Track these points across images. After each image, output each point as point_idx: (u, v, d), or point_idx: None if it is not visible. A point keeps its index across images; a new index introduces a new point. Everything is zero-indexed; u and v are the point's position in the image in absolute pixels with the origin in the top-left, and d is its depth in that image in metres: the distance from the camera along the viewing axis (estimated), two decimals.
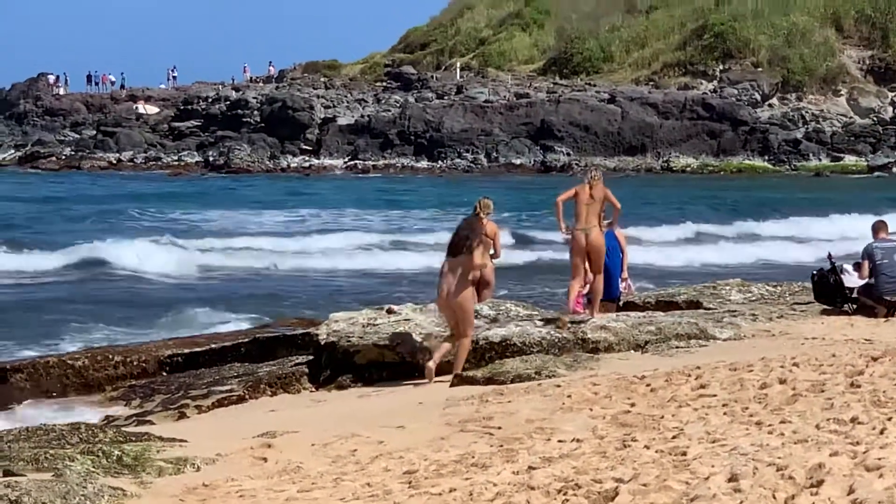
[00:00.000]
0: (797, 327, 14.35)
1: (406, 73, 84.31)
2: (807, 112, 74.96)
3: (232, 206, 48.86)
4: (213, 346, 15.73)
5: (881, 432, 7.09)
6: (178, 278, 28.87)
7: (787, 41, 77.07)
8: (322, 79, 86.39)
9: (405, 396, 11.93)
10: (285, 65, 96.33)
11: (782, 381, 9.32)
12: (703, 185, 61.67)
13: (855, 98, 75.97)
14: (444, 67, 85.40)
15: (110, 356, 15.30)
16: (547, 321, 14.15)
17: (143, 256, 30.72)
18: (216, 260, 31.43)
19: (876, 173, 70.19)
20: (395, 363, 13.58)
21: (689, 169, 72.15)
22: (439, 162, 74.11)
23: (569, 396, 9.70)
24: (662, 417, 8.47)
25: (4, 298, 24.68)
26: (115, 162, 79.16)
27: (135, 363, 15.22)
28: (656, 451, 7.29)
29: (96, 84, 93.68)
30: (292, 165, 75.86)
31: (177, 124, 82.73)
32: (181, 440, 9.06)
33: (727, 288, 17.67)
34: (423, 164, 74.27)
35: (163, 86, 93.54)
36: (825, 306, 15.69)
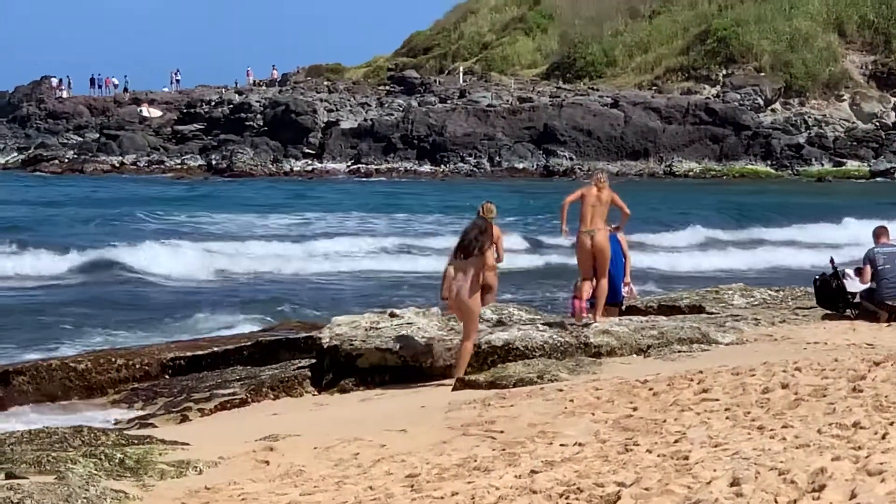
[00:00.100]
0: (799, 332, 14.35)
1: (409, 78, 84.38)
2: (809, 117, 75.00)
3: (236, 210, 48.85)
4: (216, 349, 15.74)
5: (883, 437, 7.09)
6: (182, 281, 28.89)
7: (790, 46, 77.10)
8: (325, 82, 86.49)
9: (407, 400, 11.93)
10: (288, 68, 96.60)
11: (784, 386, 9.32)
12: (707, 190, 61.64)
13: (857, 103, 76.00)
14: (447, 72, 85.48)
15: (113, 359, 15.31)
16: (550, 325, 14.17)
17: (149, 259, 30.76)
18: (220, 263, 31.43)
19: (878, 178, 70.20)
20: (398, 367, 13.58)
21: (691, 174, 72.18)
22: (442, 166, 74.14)
23: (571, 400, 9.71)
24: (665, 421, 8.48)
25: (9, 301, 24.69)
26: (117, 165, 79.20)
27: (137, 366, 15.22)
28: (658, 456, 7.29)
29: (99, 87, 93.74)
30: (295, 169, 75.90)
31: (180, 128, 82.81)
32: (183, 443, 9.07)
33: (730, 292, 17.68)
34: (426, 168, 74.31)
35: (166, 89, 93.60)
36: (827, 311, 15.70)
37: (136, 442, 9.10)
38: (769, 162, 73.25)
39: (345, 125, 77.68)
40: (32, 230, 39.14)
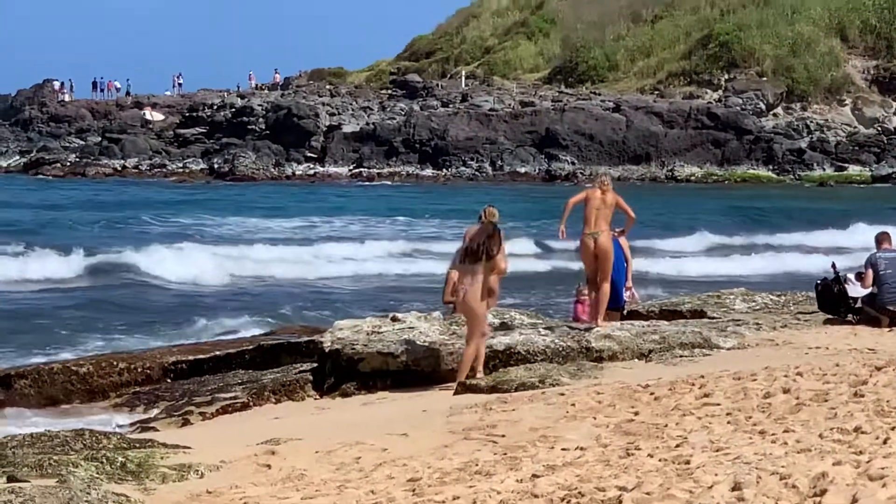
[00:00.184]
0: (801, 337, 14.35)
1: (411, 81, 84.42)
2: (811, 122, 75.01)
3: (239, 213, 48.91)
4: (218, 353, 15.74)
5: (884, 442, 7.09)
6: (186, 284, 28.90)
7: (792, 51, 77.14)
8: (327, 86, 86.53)
9: (409, 404, 11.94)
10: (291, 72, 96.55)
11: (786, 391, 9.32)
12: (710, 195, 61.65)
13: (859, 108, 76.01)
14: (449, 76, 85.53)
15: (115, 362, 15.31)
16: (552, 329, 14.17)
17: (155, 262, 30.78)
18: (224, 266, 31.42)
19: (879, 183, 70.19)
20: (400, 371, 13.58)
21: (693, 178, 72.18)
22: (444, 170, 74.18)
23: (572, 405, 9.71)
24: (666, 426, 8.48)
25: (11, 304, 24.68)
26: (119, 169, 79.27)
27: (139, 370, 15.22)
28: (660, 460, 7.30)
29: (102, 91, 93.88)
30: (297, 173, 75.92)
31: (182, 131, 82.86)
32: (185, 447, 9.07)
33: (731, 297, 17.69)
34: (428, 172, 74.33)
35: (168, 93, 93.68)
36: (829, 316, 15.70)
37: (137, 445, 9.11)
38: (771, 167, 73.26)
39: (347, 129, 77.72)
40: (36, 233, 39.17)
